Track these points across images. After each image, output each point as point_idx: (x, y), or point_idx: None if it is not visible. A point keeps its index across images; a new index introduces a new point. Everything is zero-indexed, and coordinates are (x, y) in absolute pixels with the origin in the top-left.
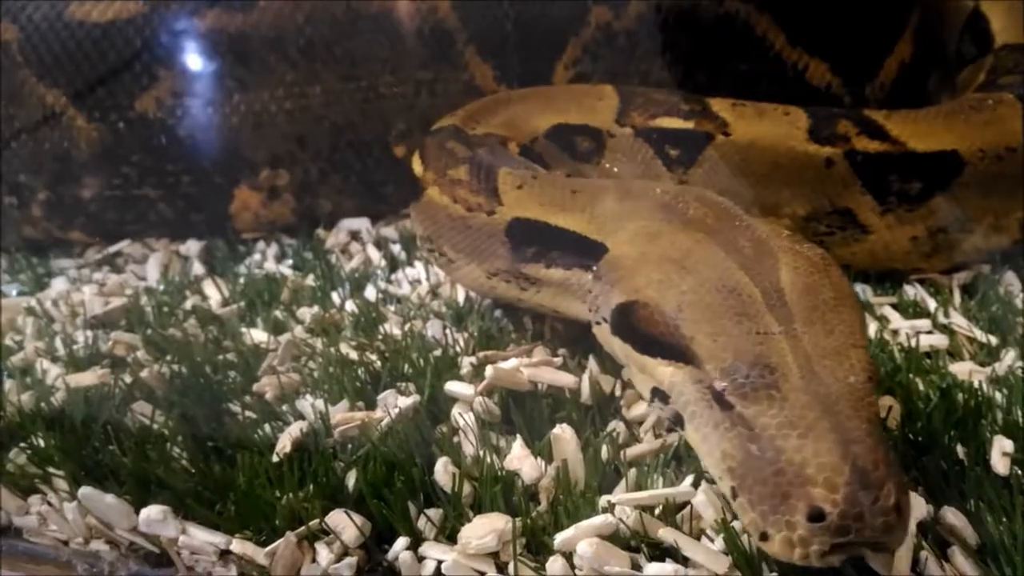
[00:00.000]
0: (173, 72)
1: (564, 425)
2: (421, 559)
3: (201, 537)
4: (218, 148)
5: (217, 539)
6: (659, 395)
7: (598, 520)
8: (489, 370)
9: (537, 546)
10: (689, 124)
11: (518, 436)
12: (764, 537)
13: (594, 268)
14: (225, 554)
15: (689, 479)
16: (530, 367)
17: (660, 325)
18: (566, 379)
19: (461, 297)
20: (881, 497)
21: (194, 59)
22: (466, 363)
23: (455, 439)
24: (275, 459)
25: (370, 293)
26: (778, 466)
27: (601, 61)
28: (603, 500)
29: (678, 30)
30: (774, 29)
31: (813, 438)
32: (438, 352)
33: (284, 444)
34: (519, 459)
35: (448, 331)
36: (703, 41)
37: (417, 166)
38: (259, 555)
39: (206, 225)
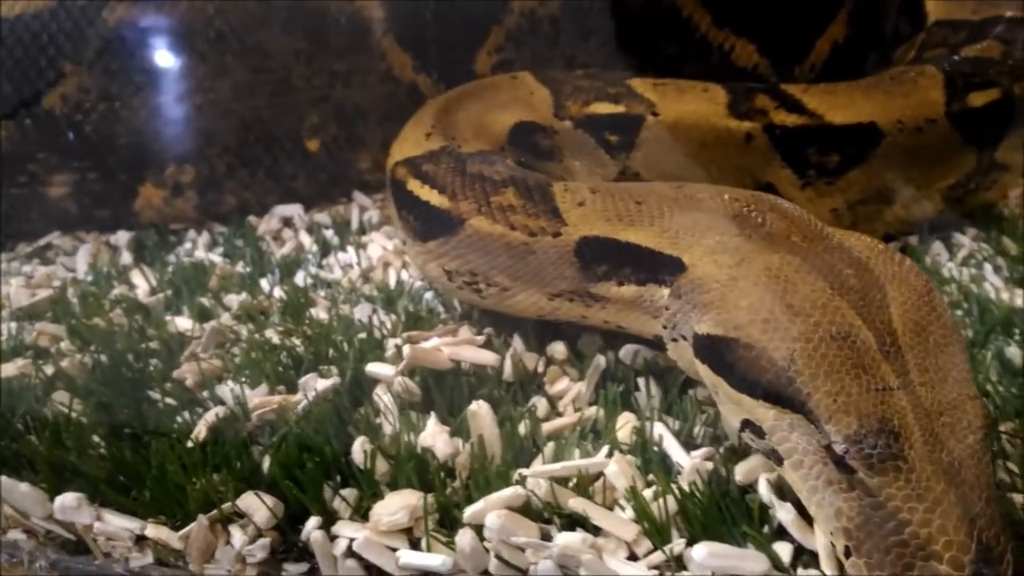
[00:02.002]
0: (80, 68)
1: (480, 402)
2: (334, 538)
3: (116, 523)
4: (125, 144)
5: (132, 524)
6: (753, 428)
7: (507, 492)
8: (407, 349)
9: (451, 521)
10: (621, 108)
11: (432, 414)
12: None
13: (669, 283)
14: (141, 539)
15: (604, 450)
16: (451, 346)
17: (768, 372)
18: (487, 357)
19: (392, 281)
20: (1002, 572)
21: (101, 55)
22: (391, 345)
23: (377, 420)
24: (190, 444)
25: (301, 279)
26: (902, 537)
27: (525, 48)
28: (517, 474)
29: (603, 14)
30: (700, 10)
31: (940, 513)
32: (363, 335)
33: (200, 429)
34: (433, 436)
35: (376, 314)
36: (628, 24)
37: (437, 198)
38: (173, 539)
39: (111, 222)
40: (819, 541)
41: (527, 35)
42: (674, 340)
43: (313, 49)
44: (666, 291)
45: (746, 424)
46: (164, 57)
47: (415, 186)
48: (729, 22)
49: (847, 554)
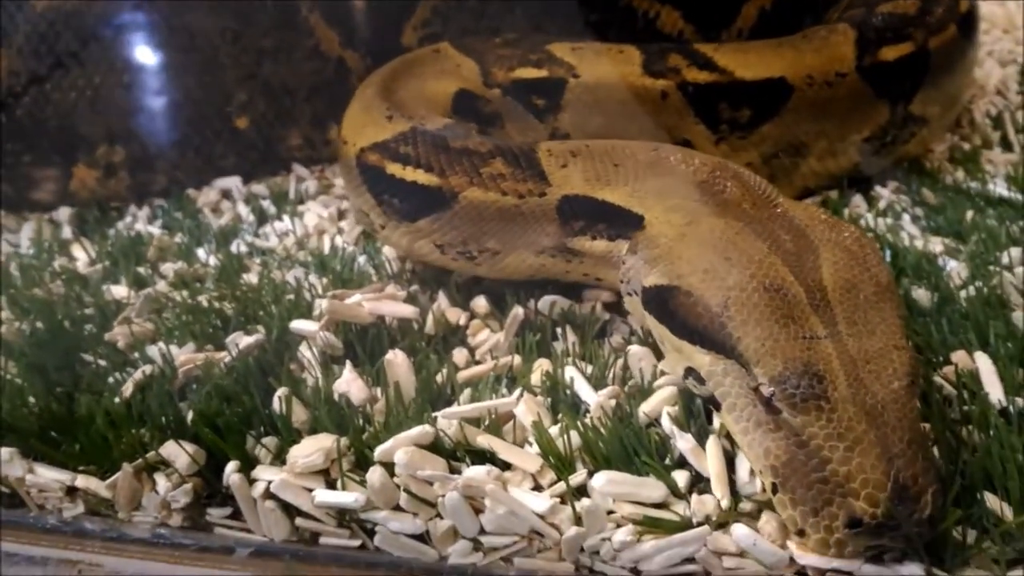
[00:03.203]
0: (10, 52)
1: (396, 351)
2: (253, 481)
3: (47, 475)
4: (56, 126)
5: (63, 476)
6: (694, 376)
7: (415, 431)
8: (324, 303)
9: (367, 463)
10: (544, 72)
11: (348, 362)
12: (800, 533)
13: (630, 239)
14: (72, 491)
15: (517, 393)
16: (372, 301)
17: (704, 318)
18: (407, 310)
19: (327, 247)
20: (917, 511)
21: (29, 38)
22: (320, 305)
23: (302, 374)
24: (117, 400)
25: (237, 247)
26: (823, 474)
27: (451, 21)
28: (430, 416)
29: None
30: None
31: (859, 452)
32: (292, 296)
33: (127, 386)
34: (348, 383)
35: (308, 277)
36: None
37: (424, 176)
38: (101, 488)
39: (49, 204)
40: (711, 466)
41: (453, 9)
42: (629, 295)
43: (240, 27)
44: (627, 246)
45: (688, 371)
46: (92, 40)
47: (396, 169)
48: None
49: (774, 490)
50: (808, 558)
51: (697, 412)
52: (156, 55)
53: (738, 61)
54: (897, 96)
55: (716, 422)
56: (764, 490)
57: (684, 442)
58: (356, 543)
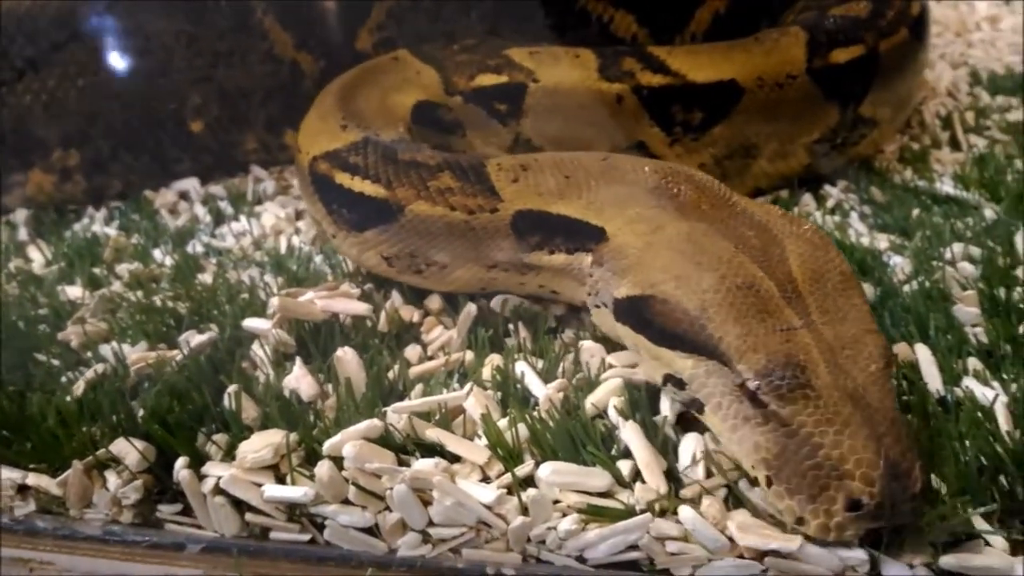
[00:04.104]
0: None
1: (346, 348)
2: (204, 477)
3: None
4: (11, 131)
5: (13, 474)
6: (674, 381)
7: (363, 425)
8: (275, 301)
9: (317, 458)
10: (504, 78)
11: (297, 358)
12: (801, 522)
13: (593, 252)
14: (23, 489)
15: (467, 387)
16: (324, 299)
17: (683, 322)
18: (359, 307)
19: (283, 246)
20: (910, 485)
21: None
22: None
23: (255, 372)
24: (68, 399)
25: (194, 248)
26: (816, 460)
27: (406, 24)
28: (380, 410)
29: None
30: None
31: (848, 434)
32: (246, 295)
33: (80, 385)
34: (297, 379)
35: (264, 277)
36: None
37: (371, 188)
38: (52, 486)
39: (6, 208)
40: (639, 455)
41: (408, 11)
42: (596, 307)
43: (193, 30)
44: (590, 259)
45: (668, 378)
46: (46, 43)
47: (344, 179)
48: None
49: (768, 483)
50: (748, 540)
51: (642, 403)
52: (110, 59)
53: (690, 64)
54: (847, 98)
55: (662, 413)
56: (758, 484)
57: (628, 432)
58: (306, 537)
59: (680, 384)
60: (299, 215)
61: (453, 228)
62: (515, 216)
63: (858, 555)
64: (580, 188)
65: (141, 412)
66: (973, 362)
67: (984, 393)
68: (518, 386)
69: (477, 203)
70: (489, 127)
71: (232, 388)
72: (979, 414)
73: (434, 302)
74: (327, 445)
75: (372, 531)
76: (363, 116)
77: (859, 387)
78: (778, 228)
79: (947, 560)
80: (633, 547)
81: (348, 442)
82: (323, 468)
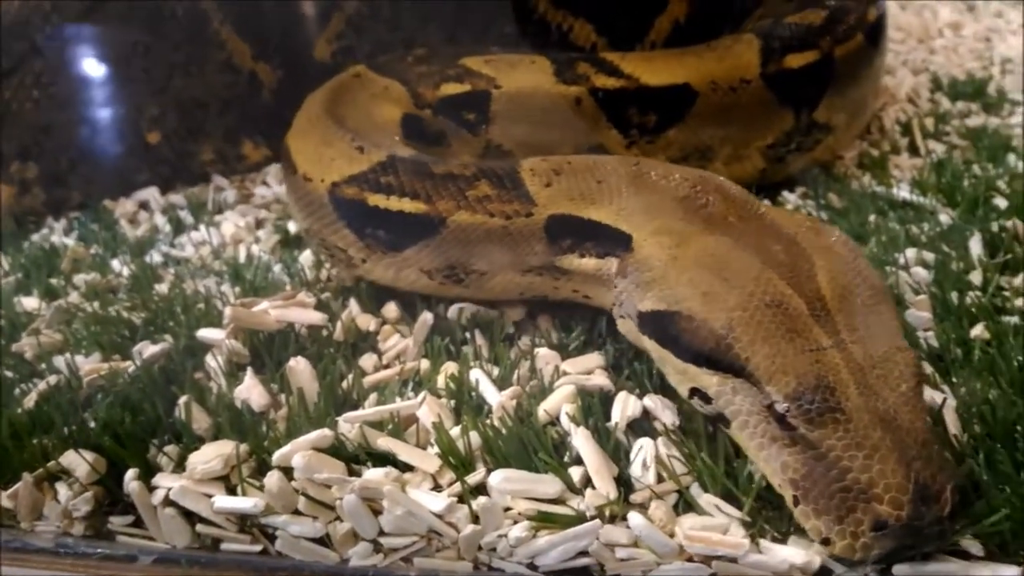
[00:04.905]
0: None
1: (299, 357)
2: (153, 489)
3: None
4: None
5: None
6: (700, 395)
7: (313, 435)
8: (228, 311)
9: (268, 468)
10: (467, 87)
11: (249, 368)
12: (827, 542)
13: (620, 260)
14: None
15: (421, 396)
16: (279, 308)
17: (709, 341)
18: (314, 316)
19: (242, 256)
20: (939, 508)
21: None
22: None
23: (210, 383)
24: (20, 411)
25: (154, 257)
26: (844, 483)
27: (365, 34)
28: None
29: None
30: None
31: (878, 459)
32: (202, 305)
33: (31, 396)
34: (248, 389)
35: (222, 287)
36: (466, 6)
37: (410, 205)
38: (3, 498)
39: None
40: (588, 461)
41: (367, 21)
42: (621, 317)
43: (150, 40)
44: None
45: (694, 392)
46: (2, 54)
47: (379, 200)
48: (565, 2)
49: (795, 503)
50: (696, 546)
51: (596, 409)
52: (67, 70)
53: (644, 68)
54: (801, 103)
55: (613, 419)
56: (788, 504)
57: (579, 439)
58: (257, 548)
59: (707, 399)
60: (259, 224)
61: (492, 235)
62: (548, 220)
63: (804, 558)
64: (612, 194)
65: (93, 424)
66: (923, 366)
67: (933, 396)
68: (473, 394)
69: (514, 208)
70: (460, 136)
71: (183, 399)
72: (928, 418)
73: (391, 311)
74: (277, 455)
75: (323, 541)
76: (369, 135)
77: (890, 408)
78: (807, 241)
79: (900, 569)
80: (583, 553)
81: (298, 452)
82: (272, 479)
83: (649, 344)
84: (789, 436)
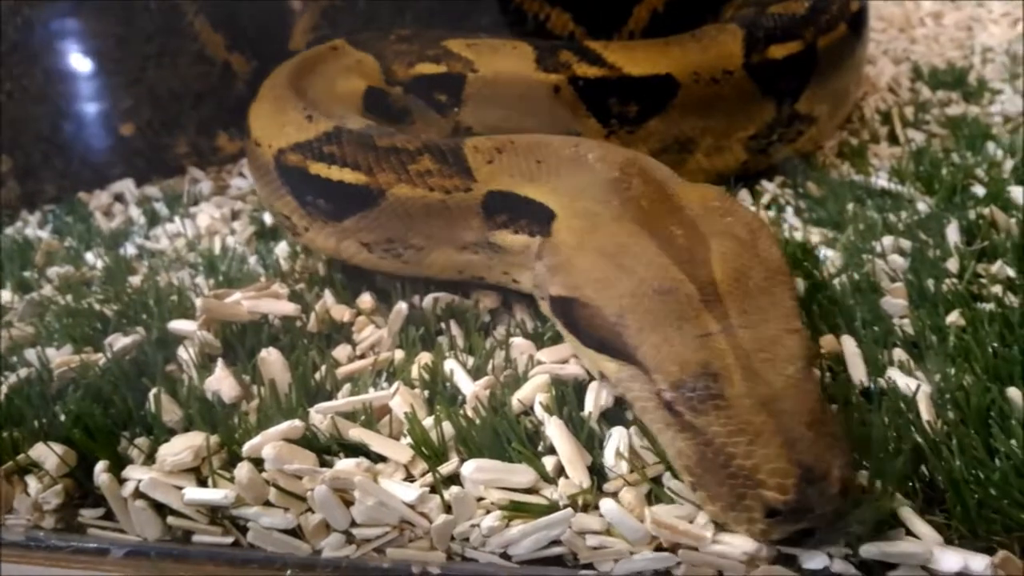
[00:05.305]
0: None
1: (270, 349)
2: (124, 481)
3: None
4: None
5: None
6: (606, 379)
7: (284, 426)
8: (199, 302)
9: (239, 460)
10: (443, 68)
11: (220, 360)
12: (725, 527)
13: (541, 241)
14: None
15: (395, 386)
16: (252, 300)
17: (603, 328)
18: (287, 308)
19: (217, 247)
20: (827, 488)
21: None
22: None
23: (182, 374)
24: None
25: (128, 249)
26: (731, 470)
27: (340, 25)
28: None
29: None
30: None
31: (761, 443)
32: (175, 297)
33: (2, 390)
34: (218, 380)
35: (196, 279)
36: None
37: (351, 175)
38: None
39: None
40: (561, 450)
41: (342, 12)
42: (542, 299)
43: (123, 32)
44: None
45: (601, 375)
46: None
47: (321, 168)
48: None
49: (693, 488)
50: (663, 533)
51: (570, 399)
52: (40, 63)
53: (626, 58)
54: (783, 94)
55: (587, 408)
56: (688, 490)
57: (552, 429)
58: (229, 540)
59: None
60: (235, 215)
61: (430, 209)
62: (487, 196)
63: (766, 546)
64: (548, 174)
65: (63, 417)
66: (899, 353)
67: (907, 383)
68: (447, 384)
69: (453, 183)
70: (428, 116)
71: (154, 391)
72: (901, 404)
73: (366, 302)
74: (247, 447)
75: (295, 532)
76: (324, 105)
77: (774, 392)
78: (707, 225)
79: (868, 549)
80: (556, 542)
81: (268, 443)
82: (242, 470)
83: (560, 328)
84: (679, 423)
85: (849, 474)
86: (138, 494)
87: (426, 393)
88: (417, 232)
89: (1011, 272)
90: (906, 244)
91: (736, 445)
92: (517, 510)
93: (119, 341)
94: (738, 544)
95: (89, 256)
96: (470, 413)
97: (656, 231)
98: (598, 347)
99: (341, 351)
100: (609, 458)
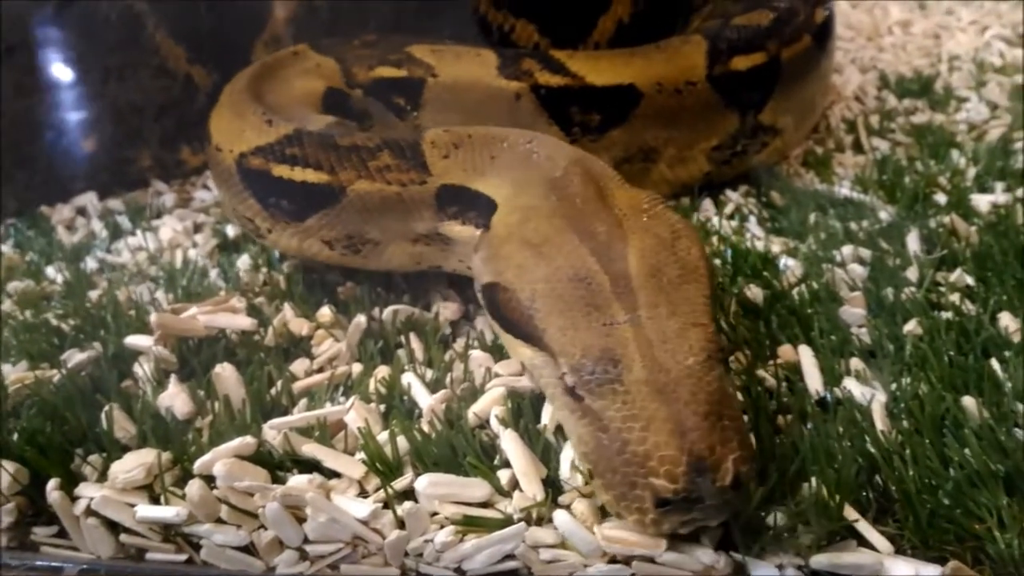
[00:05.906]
0: None
1: (224, 364)
2: (76, 499)
3: None
4: None
5: None
6: (528, 371)
7: (235, 442)
8: (153, 317)
9: (192, 477)
10: (403, 72)
11: (173, 375)
12: (618, 516)
13: (482, 233)
14: None
15: (351, 401)
16: (208, 314)
17: (517, 311)
18: (242, 322)
19: (179, 261)
20: (718, 479)
21: None
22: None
23: (138, 390)
24: None
25: (89, 264)
26: (624, 457)
27: (302, 37)
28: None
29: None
30: None
31: (653, 430)
32: (133, 312)
33: None
34: (171, 396)
35: (156, 293)
36: (405, 7)
37: (313, 175)
38: None
39: None
40: (515, 463)
41: (304, 24)
42: (478, 292)
43: (84, 45)
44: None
45: (523, 365)
46: None
47: (283, 171)
48: (506, 3)
49: (591, 475)
50: (615, 547)
51: (526, 411)
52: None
53: (590, 67)
54: (746, 106)
55: (542, 420)
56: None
57: (506, 442)
58: (183, 558)
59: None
60: (197, 228)
61: (386, 203)
62: (440, 189)
63: (721, 557)
64: (500, 169)
65: (16, 435)
66: (855, 362)
67: (863, 393)
68: (405, 398)
69: (409, 177)
70: (386, 120)
71: (107, 407)
72: (856, 414)
73: (325, 315)
74: (198, 464)
75: (248, 549)
76: (283, 108)
77: (671, 381)
78: (630, 223)
79: (818, 559)
80: (510, 556)
81: (219, 460)
82: (193, 487)
83: (488, 318)
84: (580, 408)
85: (745, 468)
86: (90, 512)
87: (383, 407)
88: (374, 226)
89: (970, 280)
90: (866, 253)
91: (630, 431)
92: (471, 524)
93: (75, 357)
94: (696, 553)
95: (50, 270)
96: (426, 427)
97: (581, 226)
98: (516, 332)
99: (299, 365)
100: (564, 470)
